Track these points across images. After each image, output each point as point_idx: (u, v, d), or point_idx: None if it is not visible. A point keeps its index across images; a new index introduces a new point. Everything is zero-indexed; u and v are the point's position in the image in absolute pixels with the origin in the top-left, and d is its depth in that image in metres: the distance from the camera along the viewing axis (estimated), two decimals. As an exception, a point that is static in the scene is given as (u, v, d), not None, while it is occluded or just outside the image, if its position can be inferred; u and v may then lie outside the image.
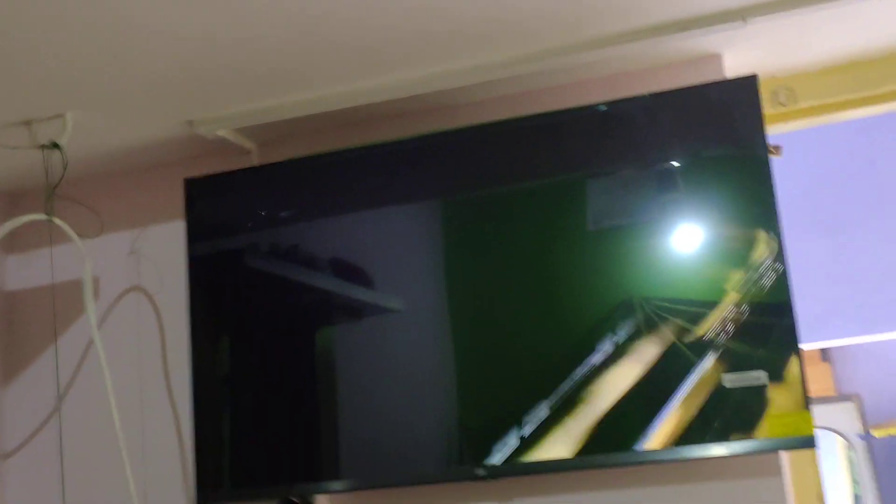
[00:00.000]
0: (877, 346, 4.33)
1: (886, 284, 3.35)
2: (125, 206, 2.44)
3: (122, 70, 1.89)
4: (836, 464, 4.47)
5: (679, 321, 1.84)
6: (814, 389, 4.49)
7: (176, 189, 2.26)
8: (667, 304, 1.86)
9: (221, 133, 2.20)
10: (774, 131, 2.20)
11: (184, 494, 2.25)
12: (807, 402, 1.77)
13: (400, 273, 2.04)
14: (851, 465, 4.45)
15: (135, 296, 2.39)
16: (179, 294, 2.23)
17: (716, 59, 2.06)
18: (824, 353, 4.60)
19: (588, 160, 1.97)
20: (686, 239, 1.89)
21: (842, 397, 4.52)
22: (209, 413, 2.11)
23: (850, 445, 4.44)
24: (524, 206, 1.99)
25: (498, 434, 1.90)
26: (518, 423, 1.89)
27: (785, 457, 1.94)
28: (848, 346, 4.44)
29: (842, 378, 4.62)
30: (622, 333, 1.86)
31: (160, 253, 2.38)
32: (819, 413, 4.38)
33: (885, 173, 3.37)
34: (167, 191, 2.36)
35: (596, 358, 1.87)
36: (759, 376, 1.79)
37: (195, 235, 2.20)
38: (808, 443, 1.76)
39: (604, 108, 1.96)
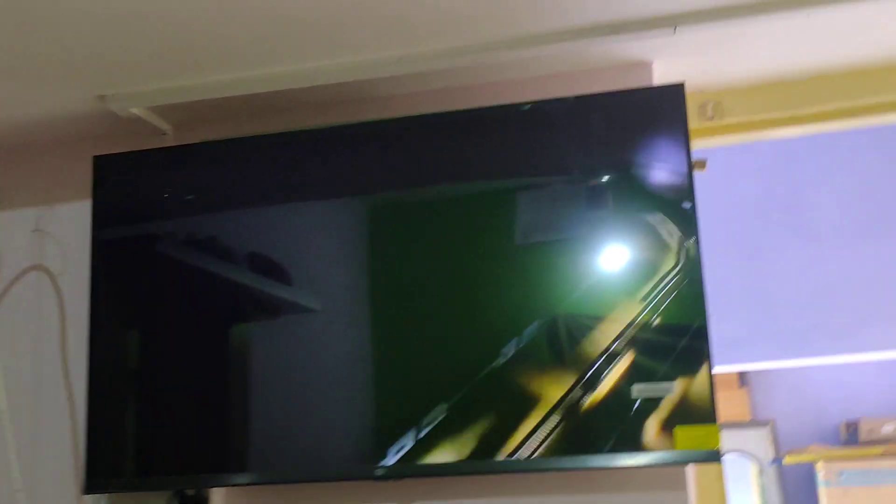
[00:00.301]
0: (793, 374, 4.38)
1: (804, 310, 3.39)
2: (31, 182, 2.34)
3: (28, 38, 1.80)
4: (747, 488, 4.50)
5: (589, 333, 1.81)
6: (730, 414, 4.56)
7: (87, 167, 2.16)
8: (577, 316, 1.82)
9: (135, 111, 2.12)
10: (701, 145, 2.20)
11: (75, 484, 2.15)
12: (714, 416, 1.75)
13: (317, 271, 1.98)
14: (762, 490, 4.49)
15: (36, 276, 2.29)
16: (84, 277, 2.14)
17: (646, 67, 2.05)
18: (742, 379, 4.64)
19: (513, 163, 1.93)
20: (601, 253, 1.85)
21: (757, 423, 4.56)
22: (105, 401, 2.03)
23: (763, 471, 4.48)
24: (448, 212, 1.95)
25: (398, 435, 1.85)
26: (416, 424, 1.84)
27: (690, 471, 1.92)
28: (765, 373, 4.49)
29: (758, 404, 4.66)
30: (529, 342, 1.83)
31: (66, 232, 2.28)
32: (733, 437, 4.45)
33: (806, 199, 3.41)
34: (77, 168, 2.25)
35: (498, 363, 1.83)
36: (667, 388, 1.77)
37: (102, 217, 2.11)
38: (714, 457, 1.73)
39: (527, 107, 1.93)
